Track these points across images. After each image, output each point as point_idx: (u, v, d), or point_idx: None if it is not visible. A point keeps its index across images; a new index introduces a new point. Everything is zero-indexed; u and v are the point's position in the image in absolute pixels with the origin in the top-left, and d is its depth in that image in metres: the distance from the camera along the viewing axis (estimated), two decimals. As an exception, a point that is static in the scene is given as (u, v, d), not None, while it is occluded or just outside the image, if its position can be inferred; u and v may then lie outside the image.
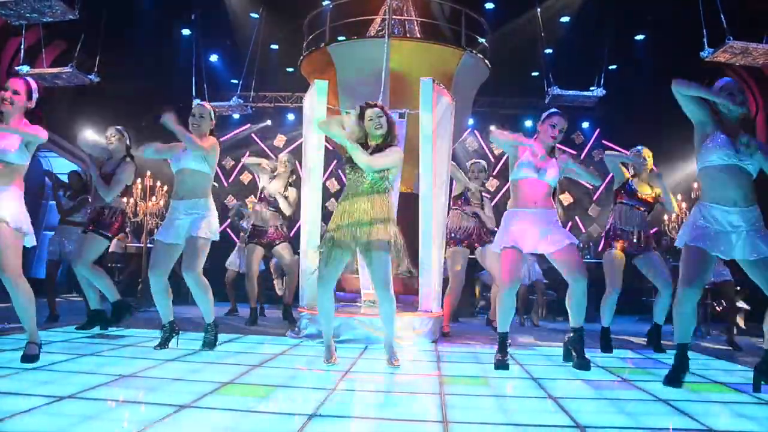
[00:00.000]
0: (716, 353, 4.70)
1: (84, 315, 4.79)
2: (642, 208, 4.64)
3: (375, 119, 3.49)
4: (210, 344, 3.87)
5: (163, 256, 3.80)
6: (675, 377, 3.06)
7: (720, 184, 2.98)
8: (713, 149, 2.97)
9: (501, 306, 3.55)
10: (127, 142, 4.75)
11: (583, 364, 3.49)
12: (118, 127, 4.77)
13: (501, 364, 3.48)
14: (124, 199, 4.98)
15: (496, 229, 5.69)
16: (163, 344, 3.83)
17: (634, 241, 4.56)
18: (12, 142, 3.11)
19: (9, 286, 3.07)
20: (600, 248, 4.78)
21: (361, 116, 3.53)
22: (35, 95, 3.28)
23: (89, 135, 4.44)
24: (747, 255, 2.96)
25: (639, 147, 4.76)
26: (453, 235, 5.56)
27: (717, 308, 6.75)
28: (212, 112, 3.99)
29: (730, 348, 5.17)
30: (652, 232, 4.63)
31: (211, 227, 3.78)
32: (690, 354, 3.18)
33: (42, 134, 3.21)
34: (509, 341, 3.66)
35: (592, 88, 8.94)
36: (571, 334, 3.64)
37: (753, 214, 2.98)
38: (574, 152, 11.39)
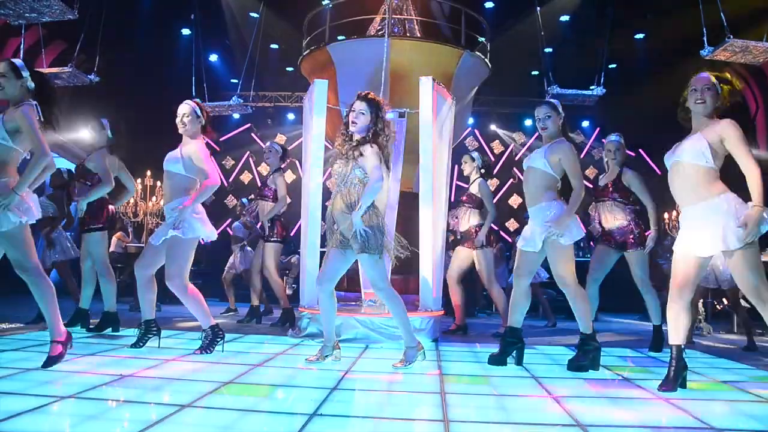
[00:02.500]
0: (716, 351, 4.70)
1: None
2: (619, 201, 4.58)
3: (356, 112, 3.34)
4: (203, 349, 3.66)
5: (148, 253, 3.76)
6: (668, 381, 2.88)
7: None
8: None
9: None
10: (108, 134, 4.55)
11: (571, 365, 3.47)
12: (103, 119, 4.58)
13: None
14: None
15: (493, 226, 5.71)
16: (137, 343, 3.76)
17: (617, 236, 4.55)
18: None
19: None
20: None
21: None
22: (25, 73, 3.05)
23: None
24: (700, 252, 2.87)
25: (611, 137, 4.70)
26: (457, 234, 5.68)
27: (718, 306, 6.75)
28: (197, 109, 3.70)
29: (750, 350, 4.90)
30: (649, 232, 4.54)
31: (181, 228, 3.51)
32: (690, 352, 3.15)
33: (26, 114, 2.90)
34: None
35: (592, 87, 8.92)
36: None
37: (703, 209, 2.83)
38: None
